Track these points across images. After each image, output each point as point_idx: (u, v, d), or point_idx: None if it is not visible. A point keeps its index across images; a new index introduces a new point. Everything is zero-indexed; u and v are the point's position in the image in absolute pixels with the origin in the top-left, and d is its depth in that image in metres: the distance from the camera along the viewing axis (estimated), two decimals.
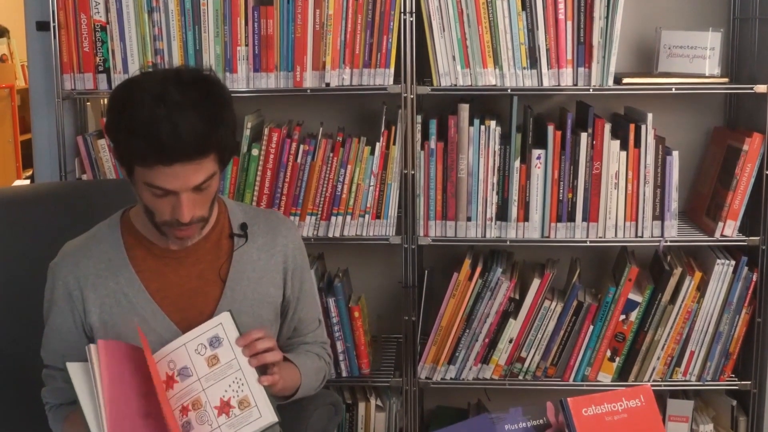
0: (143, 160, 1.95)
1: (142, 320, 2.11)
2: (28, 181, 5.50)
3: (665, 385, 3.06)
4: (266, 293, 2.23)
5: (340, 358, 3.06)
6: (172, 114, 1.91)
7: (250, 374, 2.00)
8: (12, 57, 7.43)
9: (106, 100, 3.21)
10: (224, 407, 1.97)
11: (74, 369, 1.93)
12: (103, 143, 3.01)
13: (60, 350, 2.16)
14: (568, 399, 2.02)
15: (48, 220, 2.54)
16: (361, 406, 3.17)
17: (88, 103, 3.24)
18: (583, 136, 2.90)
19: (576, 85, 2.90)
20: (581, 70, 2.89)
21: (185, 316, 2.13)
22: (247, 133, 2.96)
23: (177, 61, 2.93)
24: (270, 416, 1.98)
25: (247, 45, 2.93)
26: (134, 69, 2.93)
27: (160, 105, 1.92)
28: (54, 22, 2.97)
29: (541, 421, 2.07)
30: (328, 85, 2.93)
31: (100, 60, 2.98)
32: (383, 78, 2.92)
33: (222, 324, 2.02)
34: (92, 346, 1.93)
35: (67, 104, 3.08)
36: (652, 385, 2.95)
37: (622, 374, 3.04)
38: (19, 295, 2.36)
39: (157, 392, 1.93)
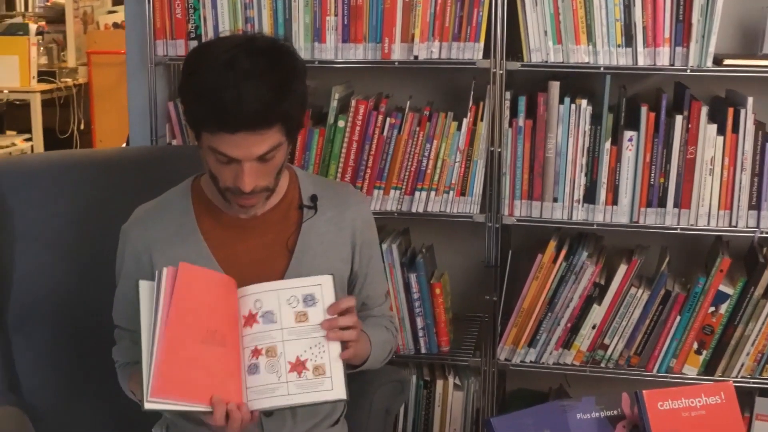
0: (207, 126, 1.96)
1: None
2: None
3: (754, 383, 2.93)
4: (333, 267, 2.20)
5: (420, 334, 3.03)
6: (238, 81, 1.90)
7: (333, 344, 1.97)
8: None
9: None
10: (298, 366, 1.95)
11: (144, 287, 1.94)
12: None
13: (127, 312, 2.17)
14: (644, 391, 1.97)
15: (134, 184, 2.57)
16: (439, 383, 3.12)
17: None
18: (678, 118, 2.79)
19: (673, 65, 2.79)
20: (679, 49, 2.77)
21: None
22: (334, 104, 2.93)
23: (267, 29, 2.92)
24: (340, 393, 1.95)
25: (336, 15, 2.90)
26: None
27: (227, 71, 1.91)
28: None
29: (615, 412, 2.02)
30: (416, 57, 2.88)
31: (191, 27, 3.00)
32: (472, 52, 2.86)
33: (321, 285, 2.01)
34: (170, 267, 1.94)
35: (160, 70, 3.11)
36: (740, 382, 2.86)
37: (709, 368, 2.93)
38: (103, 254, 2.37)
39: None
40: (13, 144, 6.91)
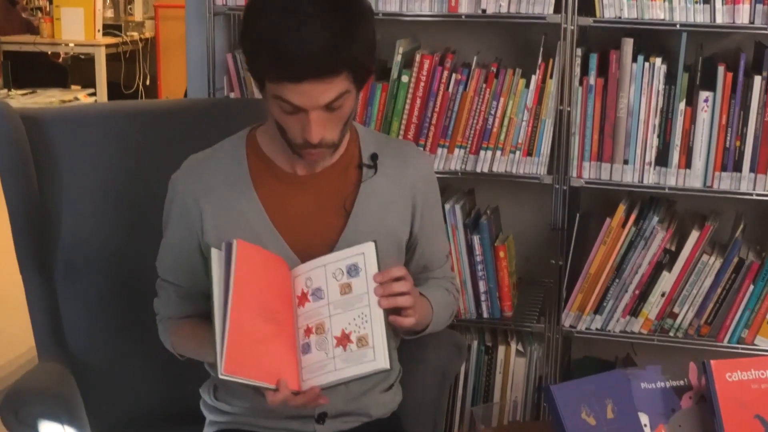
0: (270, 74, 1.87)
1: (255, 241, 2.02)
2: None
3: None
4: (391, 228, 2.11)
5: (482, 298, 2.95)
6: (301, 26, 1.80)
7: (376, 313, 1.89)
8: None
9: None
10: (343, 339, 1.87)
11: (215, 256, 1.87)
12: None
13: (173, 265, 2.12)
14: (712, 361, 1.89)
15: (188, 136, 2.50)
16: (501, 349, 3.04)
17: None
18: (757, 79, 2.66)
19: (752, 23, 2.65)
20: (759, 6, 2.63)
21: (304, 245, 2.04)
22: (398, 58, 2.84)
23: None
24: (382, 362, 1.86)
25: None
26: None
27: (288, 16, 1.81)
28: None
29: (681, 382, 1.95)
30: (484, 11, 2.78)
31: None
32: (543, 6, 2.74)
33: (364, 254, 1.92)
34: (235, 241, 1.87)
35: (219, 20, 3.03)
36: None
37: None
38: (154, 206, 2.30)
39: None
40: (76, 98, 6.91)
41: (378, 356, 1.85)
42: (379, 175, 2.11)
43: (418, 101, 2.85)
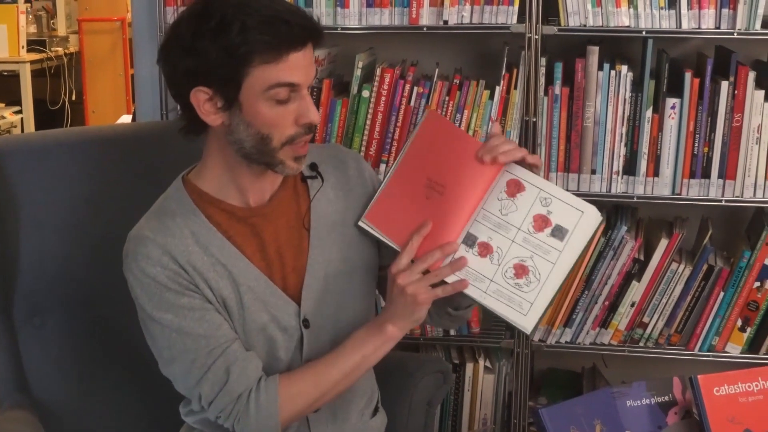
0: (269, 50, 1.79)
1: (247, 289, 1.91)
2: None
3: None
4: (355, 232, 2.01)
5: None
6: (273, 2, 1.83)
7: (556, 277, 1.85)
8: None
9: None
10: (519, 271, 1.83)
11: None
12: None
13: (210, 340, 1.88)
14: (699, 377, 1.85)
15: (149, 162, 2.39)
16: (469, 366, 2.98)
17: None
18: (724, 84, 2.64)
19: (718, 27, 2.63)
20: (725, 11, 2.62)
21: (283, 275, 1.96)
22: (357, 73, 2.77)
23: None
24: (529, 324, 1.83)
25: None
26: None
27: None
28: None
29: (666, 397, 1.91)
30: (446, 23, 2.72)
31: None
32: (506, 16, 2.69)
33: (583, 213, 1.88)
34: (427, 111, 1.97)
35: None
36: None
37: (753, 346, 2.81)
38: (117, 240, 2.11)
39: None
40: (2, 117, 6.72)
41: (530, 316, 1.83)
42: (324, 183, 2.03)
43: (380, 116, 2.78)
